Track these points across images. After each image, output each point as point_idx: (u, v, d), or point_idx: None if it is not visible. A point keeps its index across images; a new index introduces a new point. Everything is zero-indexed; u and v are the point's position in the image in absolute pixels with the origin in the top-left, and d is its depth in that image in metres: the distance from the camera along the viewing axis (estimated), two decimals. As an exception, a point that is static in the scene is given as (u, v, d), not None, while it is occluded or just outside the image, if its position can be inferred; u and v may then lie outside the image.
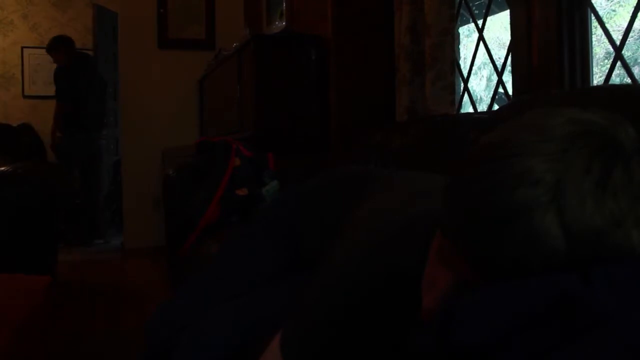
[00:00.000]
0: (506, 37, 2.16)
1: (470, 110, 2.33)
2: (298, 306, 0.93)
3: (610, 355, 0.48)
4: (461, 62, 2.39)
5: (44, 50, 4.90)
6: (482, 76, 2.76)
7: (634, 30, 1.66)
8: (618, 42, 1.63)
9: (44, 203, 2.54)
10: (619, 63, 1.65)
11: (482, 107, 2.46)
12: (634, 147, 0.57)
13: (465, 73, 2.34)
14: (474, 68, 2.32)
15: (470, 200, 0.59)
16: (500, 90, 2.13)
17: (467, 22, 2.47)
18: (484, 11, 2.19)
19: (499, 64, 2.11)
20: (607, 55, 1.90)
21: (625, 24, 1.62)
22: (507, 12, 1.93)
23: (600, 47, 1.94)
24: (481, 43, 2.21)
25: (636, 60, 1.97)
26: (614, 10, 2.13)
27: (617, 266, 0.54)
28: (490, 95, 2.23)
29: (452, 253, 0.63)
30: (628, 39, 1.63)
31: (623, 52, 1.65)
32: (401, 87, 2.40)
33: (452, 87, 2.22)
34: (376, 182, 1.13)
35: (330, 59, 2.78)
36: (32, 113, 5.80)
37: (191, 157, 2.54)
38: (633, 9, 1.59)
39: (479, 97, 2.64)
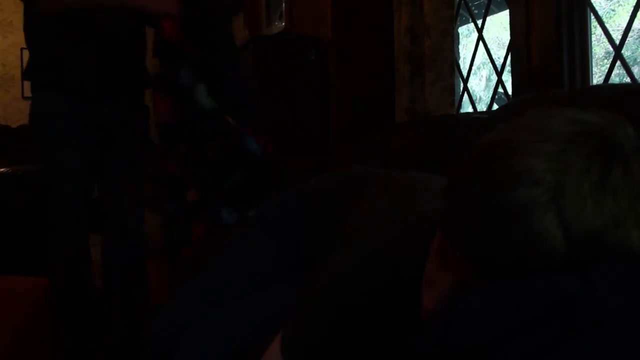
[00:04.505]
0: (505, 37, 2.16)
1: (470, 110, 2.33)
2: (298, 307, 0.93)
3: (611, 356, 0.48)
4: (461, 62, 2.39)
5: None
6: (482, 76, 2.75)
7: (633, 30, 1.66)
8: (617, 42, 1.63)
9: (44, 204, 2.53)
10: (618, 63, 1.65)
11: (482, 107, 2.46)
12: (634, 147, 0.57)
13: (464, 73, 2.34)
14: (473, 68, 2.32)
15: (470, 200, 0.58)
16: (500, 90, 2.13)
17: (467, 22, 2.46)
18: (483, 11, 2.19)
19: (499, 64, 2.11)
20: (607, 55, 1.90)
21: (624, 24, 1.62)
22: (507, 12, 1.93)
23: (599, 47, 1.94)
24: (480, 43, 2.21)
25: (636, 60, 1.97)
26: (613, 10, 2.13)
27: (617, 266, 0.54)
28: (490, 95, 2.23)
29: (452, 253, 0.63)
30: (627, 39, 1.63)
31: (622, 51, 1.65)
32: (401, 87, 2.40)
33: (452, 88, 2.22)
34: (376, 183, 1.13)
35: (330, 60, 2.78)
36: (32, 114, 5.79)
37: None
38: (632, 8, 1.59)
39: (478, 97, 2.64)
